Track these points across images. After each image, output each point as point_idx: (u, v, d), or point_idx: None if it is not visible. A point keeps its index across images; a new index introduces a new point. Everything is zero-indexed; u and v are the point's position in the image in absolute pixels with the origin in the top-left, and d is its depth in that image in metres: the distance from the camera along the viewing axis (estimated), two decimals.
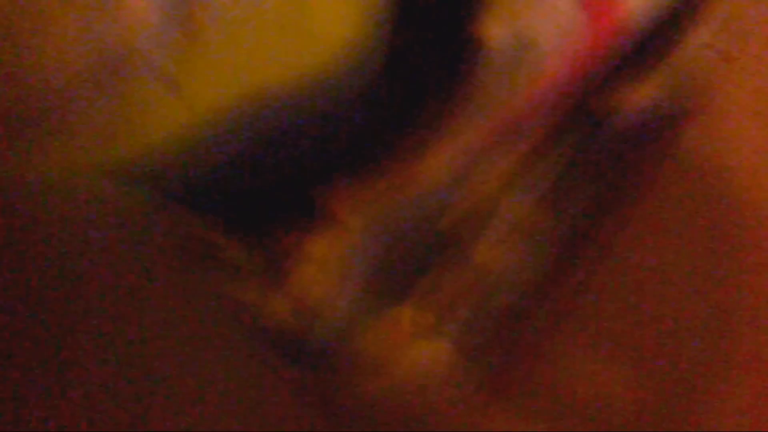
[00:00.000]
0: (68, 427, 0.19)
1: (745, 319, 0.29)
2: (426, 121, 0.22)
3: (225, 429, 0.21)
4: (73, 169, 0.19)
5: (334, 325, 0.23)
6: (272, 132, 0.21)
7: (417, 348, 0.25)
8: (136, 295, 0.24)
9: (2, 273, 0.19)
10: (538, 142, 0.25)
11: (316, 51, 0.20)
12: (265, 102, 0.20)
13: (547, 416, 0.27)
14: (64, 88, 0.16)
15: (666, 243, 0.30)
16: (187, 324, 0.27)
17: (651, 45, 0.27)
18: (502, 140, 0.24)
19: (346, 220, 0.23)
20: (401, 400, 0.25)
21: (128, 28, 0.16)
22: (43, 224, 0.22)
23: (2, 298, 0.19)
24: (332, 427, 0.25)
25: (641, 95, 0.28)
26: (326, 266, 0.23)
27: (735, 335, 0.29)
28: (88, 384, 0.20)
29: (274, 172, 0.22)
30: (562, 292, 0.27)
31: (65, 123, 0.17)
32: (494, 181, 0.25)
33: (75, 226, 0.22)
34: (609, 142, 0.27)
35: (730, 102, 0.31)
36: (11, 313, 0.19)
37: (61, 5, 0.16)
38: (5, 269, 0.19)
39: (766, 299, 0.30)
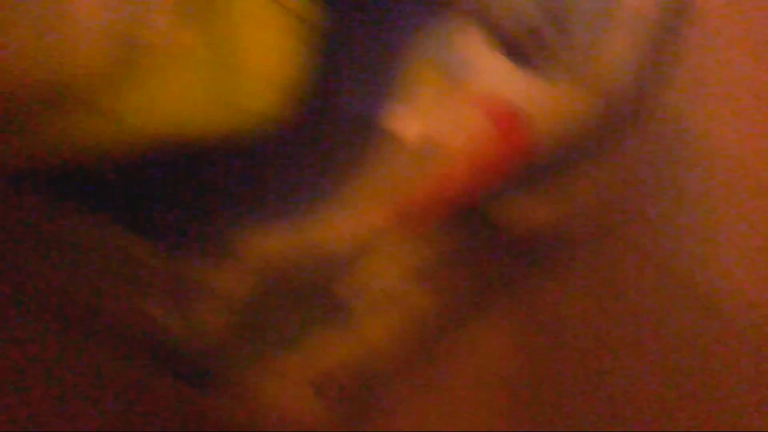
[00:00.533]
0: None
1: None
2: (330, 188, 0.24)
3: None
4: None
5: (220, 356, 0.25)
6: (191, 163, 0.22)
7: (293, 396, 0.27)
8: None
9: None
10: (430, 231, 0.28)
11: (246, 93, 0.21)
12: (190, 136, 0.21)
13: None
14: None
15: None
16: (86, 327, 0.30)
17: (554, 172, 0.31)
18: (397, 225, 0.27)
19: (250, 260, 0.24)
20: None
21: (71, 48, 0.16)
22: None
23: None
24: None
25: (535, 213, 0.31)
26: (224, 300, 0.24)
27: None
28: None
29: (190, 198, 0.23)
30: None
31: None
32: (386, 260, 0.27)
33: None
34: (494, 245, 0.30)
35: None
36: None
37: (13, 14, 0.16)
38: None
39: None
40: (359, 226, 0.26)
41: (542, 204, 0.31)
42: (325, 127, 0.24)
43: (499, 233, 0.30)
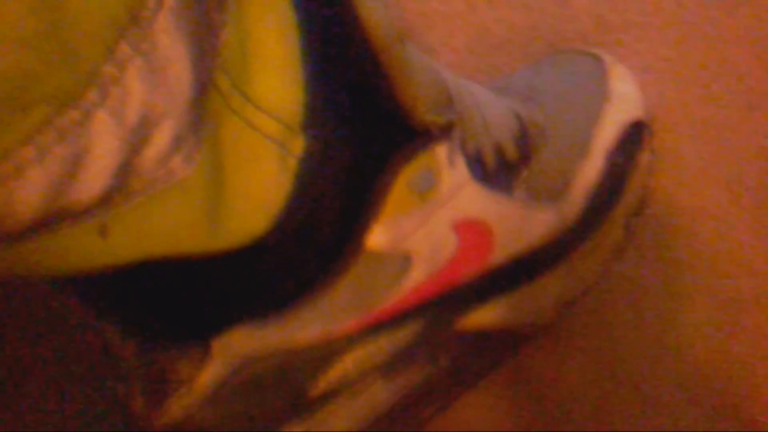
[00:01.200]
0: None
1: None
2: (307, 296, 0.27)
3: None
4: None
5: None
6: (176, 270, 0.23)
7: None
8: None
9: None
10: (394, 332, 0.30)
11: (232, 215, 0.23)
12: (179, 253, 0.23)
13: None
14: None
15: None
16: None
17: (508, 282, 0.33)
18: (367, 329, 0.29)
19: (227, 358, 0.26)
20: None
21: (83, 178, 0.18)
22: None
23: None
24: None
25: (487, 316, 0.33)
26: (197, 391, 0.26)
27: None
28: None
29: (172, 304, 0.25)
30: None
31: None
32: (353, 360, 0.29)
33: None
34: (450, 343, 0.32)
35: None
36: None
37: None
38: None
39: None
40: (333, 331, 0.28)
41: (501, 308, 0.33)
42: (303, 242, 0.26)
43: (455, 332, 0.32)
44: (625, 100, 0.36)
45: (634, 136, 0.36)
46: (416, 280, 0.29)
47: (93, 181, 0.19)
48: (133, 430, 0.27)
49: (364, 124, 0.27)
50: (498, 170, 0.31)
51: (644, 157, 0.36)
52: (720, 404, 0.35)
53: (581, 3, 0.43)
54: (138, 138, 0.19)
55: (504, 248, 0.32)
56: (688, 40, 0.42)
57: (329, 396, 0.29)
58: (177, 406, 0.26)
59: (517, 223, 0.32)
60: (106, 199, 0.19)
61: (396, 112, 0.27)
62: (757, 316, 0.37)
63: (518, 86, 0.37)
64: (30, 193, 0.18)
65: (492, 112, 0.32)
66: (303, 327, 0.27)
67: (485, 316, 0.33)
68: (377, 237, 0.27)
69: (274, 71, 0.23)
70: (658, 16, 0.42)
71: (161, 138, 0.20)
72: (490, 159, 0.31)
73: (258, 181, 0.23)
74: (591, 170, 0.34)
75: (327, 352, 0.28)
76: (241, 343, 0.26)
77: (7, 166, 0.17)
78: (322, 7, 0.25)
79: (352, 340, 0.28)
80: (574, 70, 0.38)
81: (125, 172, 0.19)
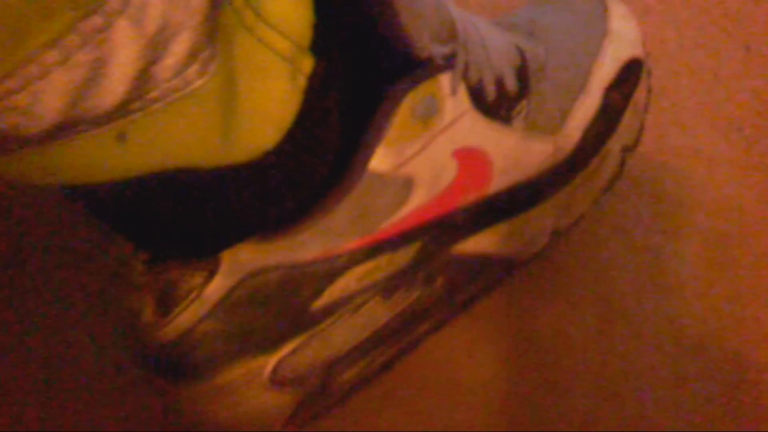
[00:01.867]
0: None
1: None
2: (313, 214, 0.28)
3: None
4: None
5: (197, 352, 0.28)
6: (189, 184, 0.24)
7: (264, 395, 0.30)
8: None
9: None
10: (395, 253, 0.31)
11: (244, 129, 0.24)
12: (192, 164, 0.24)
13: None
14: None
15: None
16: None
17: (505, 210, 0.34)
18: (368, 248, 0.30)
19: (236, 272, 0.27)
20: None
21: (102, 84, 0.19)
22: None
23: None
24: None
25: (483, 242, 0.34)
26: (204, 301, 0.27)
27: None
28: None
29: (184, 218, 0.26)
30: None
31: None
32: (355, 278, 0.30)
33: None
34: (447, 266, 0.33)
35: None
36: None
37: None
38: None
39: None
40: (336, 249, 0.29)
41: (497, 236, 0.34)
42: (310, 160, 0.27)
43: (456, 257, 0.33)
44: (624, 38, 0.37)
45: (632, 73, 0.37)
46: (417, 203, 0.30)
47: (113, 86, 0.20)
48: (139, 337, 0.28)
49: (370, 52, 0.28)
50: (498, 101, 0.32)
51: (641, 95, 0.37)
52: (706, 336, 0.37)
53: None
54: (157, 47, 0.20)
55: (502, 177, 0.33)
56: None
57: (330, 310, 0.30)
58: (184, 316, 0.27)
59: (515, 153, 0.33)
60: (125, 106, 0.20)
61: (401, 41, 0.28)
62: (744, 253, 0.38)
63: (520, 22, 0.37)
64: (53, 96, 0.19)
65: (494, 44, 0.33)
66: (307, 244, 0.28)
67: (481, 242, 0.34)
68: (381, 160, 0.28)
69: None
70: None
71: (178, 48, 0.20)
72: (491, 90, 0.32)
73: (269, 97, 0.24)
74: (588, 105, 0.35)
75: (330, 268, 0.29)
76: (249, 258, 0.27)
77: (32, 69, 0.18)
78: None
79: (354, 258, 0.29)
80: (576, 7, 0.38)
81: (144, 79, 0.20)
